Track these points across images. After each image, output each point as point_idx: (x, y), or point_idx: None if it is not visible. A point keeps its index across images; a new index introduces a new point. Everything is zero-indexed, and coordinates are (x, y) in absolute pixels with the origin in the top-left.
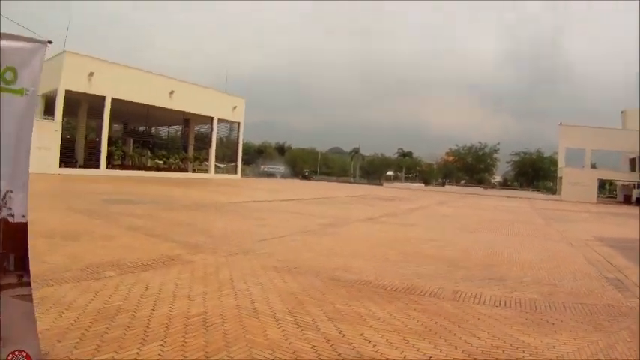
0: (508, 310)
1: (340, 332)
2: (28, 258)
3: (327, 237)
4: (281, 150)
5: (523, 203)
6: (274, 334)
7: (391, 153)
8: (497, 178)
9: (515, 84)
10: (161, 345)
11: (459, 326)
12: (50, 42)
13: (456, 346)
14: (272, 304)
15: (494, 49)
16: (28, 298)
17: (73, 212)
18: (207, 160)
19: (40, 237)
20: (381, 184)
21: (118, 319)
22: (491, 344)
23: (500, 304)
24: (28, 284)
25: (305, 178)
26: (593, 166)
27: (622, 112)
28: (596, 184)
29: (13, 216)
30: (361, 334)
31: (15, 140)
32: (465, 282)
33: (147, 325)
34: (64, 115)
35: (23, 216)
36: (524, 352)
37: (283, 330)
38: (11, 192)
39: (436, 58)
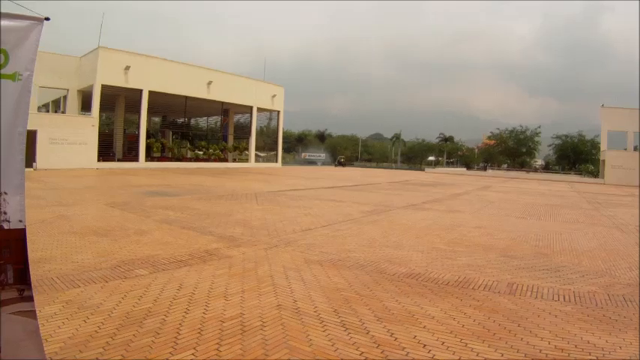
0: (568, 305)
1: (391, 335)
2: (28, 269)
3: (371, 225)
4: (321, 137)
5: (567, 187)
6: (319, 340)
7: (432, 138)
8: (539, 162)
9: (555, 65)
10: (192, 355)
11: (518, 325)
12: (47, 18)
13: (517, 349)
14: (316, 302)
15: (532, 29)
16: (32, 314)
17: (107, 206)
18: (247, 149)
19: (72, 234)
20: (423, 170)
21: (146, 325)
22: (555, 346)
23: (558, 298)
24: (31, 299)
25: (340, 164)
26: (636, 149)
27: None
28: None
29: (8, 221)
30: (414, 337)
31: (7, 134)
32: (519, 273)
33: (177, 332)
34: (102, 110)
35: (20, 221)
36: (589, 354)
37: (329, 334)
38: (5, 194)
39: (473, 41)
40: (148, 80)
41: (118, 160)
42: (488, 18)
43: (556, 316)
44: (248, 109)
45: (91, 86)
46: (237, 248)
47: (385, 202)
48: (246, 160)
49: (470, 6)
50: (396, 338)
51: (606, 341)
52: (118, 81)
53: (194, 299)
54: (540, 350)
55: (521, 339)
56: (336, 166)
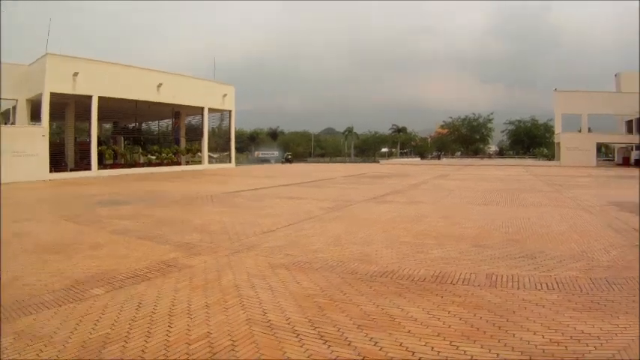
0: (553, 294)
1: (375, 344)
2: None
3: (334, 222)
4: (274, 135)
5: (523, 171)
6: (297, 356)
7: (384, 130)
8: (493, 148)
9: (503, 54)
10: None
11: (507, 320)
12: None
13: (512, 347)
14: (287, 313)
15: (480, 18)
16: None
17: (61, 220)
18: (200, 151)
19: (24, 253)
20: (377, 162)
21: (105, 355)
22: (550, 340)
23: (541, 286)
24: None
25: (287, 161)
26: (589, 131)
27: (616, 75)
28: (594, 148)
29: None
30: (400, 344)
31: None
32: (495, 263)
33: None
34: (52, 119)
35: None
36: (587, 344)
37: (307, 349)
38: None
39: (423, 33)
40: (97, 86)
41: (71, 170)
42: (439, 10)
43: (544, 306)
44: (199, 111)
45: (40, 95)
46: (197, 257)
47: (344, 196)
48: (200, 162)
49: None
50: (382, 347)
51: (600, 329)
52: (67, 88)
53: (155, 319)
54: (536, 346)
55: (514, 335)
56: (283, 163)
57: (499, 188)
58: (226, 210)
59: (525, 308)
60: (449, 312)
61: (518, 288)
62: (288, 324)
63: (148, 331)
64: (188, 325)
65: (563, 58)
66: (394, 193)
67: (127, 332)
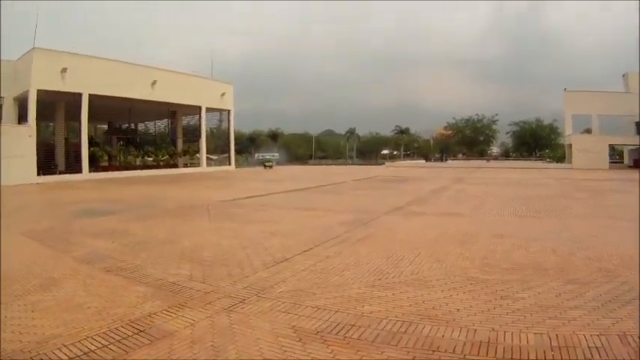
0: None
1: None
2: None
3: (365, 246)
4: (274, 136)
5: (540, 174)
6: None
7: (386, 131)
8: (495, 150)
9: (503, 54)
10: None
11: None
12: None
13: None
14: None
15: (479, 19)
16: None
17: (21, 238)
18: (198, 152)
19: None
20: (380, 164)
21: None
22: None
23: None
24: None
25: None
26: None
27: (624, 76)
28: (607, 150)
29: None
30: None
31: None
32: (615, 313)
33: None
34: (41, 119)
35: None
36: None
37: None
38: None
39: (422, 34)
40: (87, 83)
41: (60, 173)
42: (437, 11)
43: None
44: (196, 110)
45: (27, 92)
46: (182, 312)
47: (363, 206)
48: (198, 165)
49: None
50: None
51: None
52: (55, 85)
53: None
54: None
55: None
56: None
57: (531, 195)
58: (225, 225)
59: None
60: None
61: None
62: None
63: None
64: None
65: (563, 59)
66: (418, 202)
67: None
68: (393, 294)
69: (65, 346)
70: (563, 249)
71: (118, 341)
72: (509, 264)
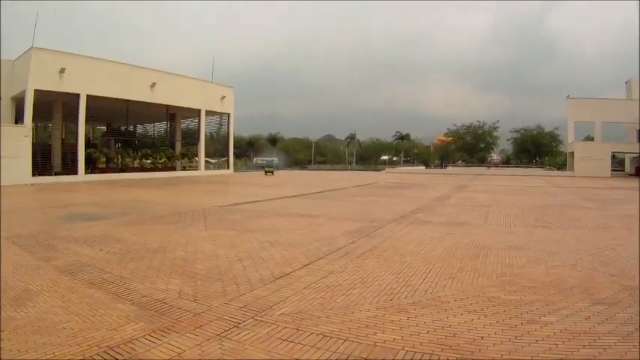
0: None
1: None
2: None
3: (371, 259)
4: (273, 141)
5: (543, 182)
6: None
7: (386, 137)
8: (495, 156)
9: (504, 62)
10: None
11: None
12: None
13: None
14: None
15: (481, 28)
16: None
17: (6, 242)
18: (196, 156)
19: None
20: (380, 169)
21: None
22: None
23: None
24: None
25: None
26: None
27: (626, 83)
28: (609, 158)
29: None
30: None
31: None
32: None
33: None
34: (39, 119)
35: None
36: None
37: None
38: None
39: (425, 41)
40: (85, 83)
41: (56, 174)
42: (440, 18)
43: None
44: (196, 113)
45: (24, 92)
46: (167, 337)
47: (367, 214)
48: (196, 168)
49: (421, 7)
50: None
51: None
52: (53, 85)
53: None
54: None
55: None
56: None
57: (538, 204)
58: (221, 233)
59: None
60: None
61: None
62: None
63: None
64: None
65: (563, 66)
66: (424, 210)
67: None
68: (408, 318)
69: None
70: (582, 264)
71: None
72: (530, 281)
